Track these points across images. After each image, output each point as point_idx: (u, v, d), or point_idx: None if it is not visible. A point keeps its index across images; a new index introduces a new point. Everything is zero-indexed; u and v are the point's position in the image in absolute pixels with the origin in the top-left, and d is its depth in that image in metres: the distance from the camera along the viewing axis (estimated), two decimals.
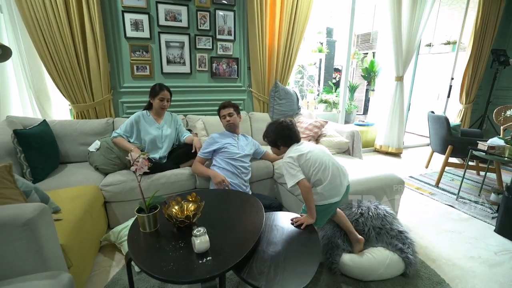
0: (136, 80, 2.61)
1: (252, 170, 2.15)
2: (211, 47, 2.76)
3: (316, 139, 2.70)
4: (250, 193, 2.04)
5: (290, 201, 2.14)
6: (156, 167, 2.01)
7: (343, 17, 6.68)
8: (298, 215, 1.44)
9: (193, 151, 2.15)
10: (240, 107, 3.05)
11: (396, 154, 4.07)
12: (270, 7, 2.79)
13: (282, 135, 1.50)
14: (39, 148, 1.86)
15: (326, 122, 2.70)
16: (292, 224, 1.38)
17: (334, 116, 3.86)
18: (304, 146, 1.49)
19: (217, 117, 2.23)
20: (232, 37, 2.82)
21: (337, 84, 7.34)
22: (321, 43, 6.46)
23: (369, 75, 6.98)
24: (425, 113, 3.44)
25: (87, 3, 2.23)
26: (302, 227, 1.35)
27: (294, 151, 1.46)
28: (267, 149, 2.10)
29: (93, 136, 2.25)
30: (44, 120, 2.11)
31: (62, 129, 2.19)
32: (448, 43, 5.04)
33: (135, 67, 2.56)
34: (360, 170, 2.08)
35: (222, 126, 2.16)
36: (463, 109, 4.38)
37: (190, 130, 2.48)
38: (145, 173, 1.98)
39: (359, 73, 7.59)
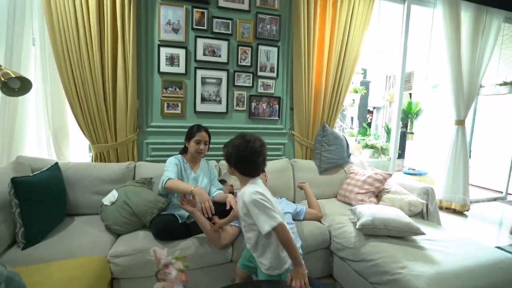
0: (166, 119, 2.30)
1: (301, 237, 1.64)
2: (251, 85, 2.45)
3: (377, 195, 2.16)
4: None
5: (349, 279, 1.56)
6: (181, 231, 1.56)
7: (377, 57, 6.47)
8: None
9: (227, 208, 1.68)
10: (280, 152, 2.62)
11: (461, 212, 3.35)
12: (318, 42, 2.50)
13: (250, 161, 1.17)
14: (41, 201, 1.47)
15: (390, 175, 2.17)
16: None
17: (382, 164, 3.31)
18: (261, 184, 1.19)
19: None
20: (274, 74, 2.51)
21: (368, 125, 6.87)
22: (353, 83, 6.19)
23: (407, 117, 6.50)
24: (490, 161, 2.81)
25: (123, 37, 2.03)
26: None
27: (258, 185, 1.17)
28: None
29: (110, 184, 1.86)
30: (56, 164, 1.76)
31: (76, 173, 1.83)
32: (505, 83, 4.53)
33: (165, 105, 2.27)
34: (452, 246, 1.48)
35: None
36: None
37: (223, 181, 2.04)
38: (169, 239, 1.54)
39: (390, 114, 7.14)
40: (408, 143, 6.72)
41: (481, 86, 5.34)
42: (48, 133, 2.06)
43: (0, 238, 1.35)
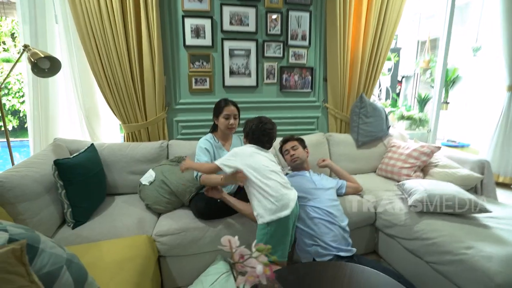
0: (194, 95, 2.21)
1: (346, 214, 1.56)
2: (281, 55, 2.27)
3: (423, 169, 2.00)
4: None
5: (398, 257, 1.48)
6: (221, 209, 1.51)
7: (410, 22, 5.89)
8: None
9: None
10: (313, 127, 2.48)
11: (508, 186, 3.11)
12: (355, 6, 2.23)
13: (257, 138, 1.43)
14: (84, 182, 1.47)
15: (438, 147, 1.98)
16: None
17: (421, 136, 3.08)
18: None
19: None
20: (306, 43, 2.30)
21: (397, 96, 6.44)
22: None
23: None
24: None
25: (146, 8, 1.90)
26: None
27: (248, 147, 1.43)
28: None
29: (145, 164, 1.84)
30: (92, 145, 1.75)
31: (111, 154, 1.82)
32: None
33: (193, 80, 2.16)
34: None
35: None
36: None
37: None
38: (210, 218, 1.51)
39: (422, 84, 6.63)
40: (442, 113, 6.28)
41: None
42: (80, 114, 2.04)
43: (52, 218, 1.37)
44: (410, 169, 1.96)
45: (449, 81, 6.01)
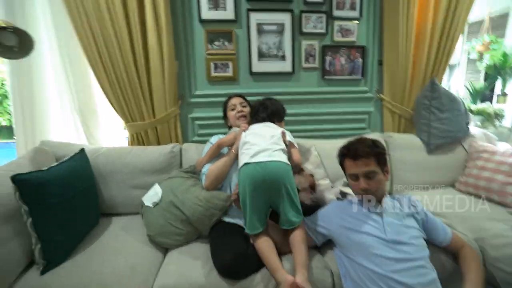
0: (214, 84, 1.74)
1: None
2: (324, 31, 1.74)
3: None
4: None
5: None
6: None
7: None
8: None
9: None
10: (363, 125, 1.94)
11: None
12: None
13: (255, 112, 1.36)
14: (61, 205, 1.04)
15: None
16: None
17: (500, 136, 2.41)
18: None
19: (335, 141, 1.52)
20: (357, 14, 1.75)
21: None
22: None
23: (499, 73, 5.13)
24: None
25: None
26: None
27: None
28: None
29: (151, 175, 1.41)
30: (81, 151, 1.33)
31: (107, 163, 1.40)
32: None
33: (212, 65, 1.69)
34: None
35: None
36: None
37: (300, 169, 1.47)
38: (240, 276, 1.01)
39: (470, 73, 5.77)
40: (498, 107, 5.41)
41: None
42: (73, 111, 1.64)
43: (13, 257, 0.97)
44: None
45: (509, 69, 5.14)
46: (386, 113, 1.91)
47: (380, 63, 1.86)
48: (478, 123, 2.51)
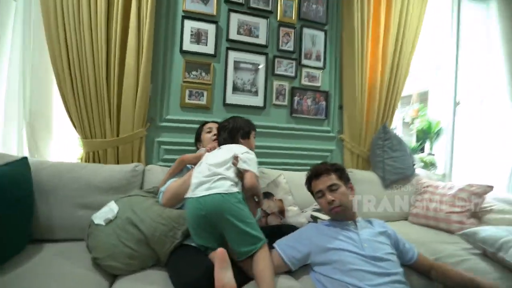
0: (187, 111, 1.73)
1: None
2: (293, 75, 1.95)
3: (474, 214, 1.57)
4: None
5: None
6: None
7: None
8: None
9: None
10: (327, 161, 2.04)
11: None
12: (372, 26, 2.05)
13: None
14: None
15: (491, 187, 1.60)
16: None
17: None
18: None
19: (301, 173, 1.34)
20: (321, 64, 2.02)
21: None
22: None
23: (426, 136, 6.06)
24: None
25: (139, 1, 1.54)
26: None
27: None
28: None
29: (107, 193, 1.24)
30: (24, 159, 1.14)
31: (53, 176, 1.20)
32: None
33: (187, 92, 1.72)
34: None
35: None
36: None
37: (268, 193, 1.44)
38: None
39: (408, 134, 6.73)
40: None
41: None
42: (21, 120, 1.44)
43: None
44: (462, 214, 1.52)
45: (433, 133, 6.11)
46: (346, 152, 2.06)
47: (340, 107, 2.09)
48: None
